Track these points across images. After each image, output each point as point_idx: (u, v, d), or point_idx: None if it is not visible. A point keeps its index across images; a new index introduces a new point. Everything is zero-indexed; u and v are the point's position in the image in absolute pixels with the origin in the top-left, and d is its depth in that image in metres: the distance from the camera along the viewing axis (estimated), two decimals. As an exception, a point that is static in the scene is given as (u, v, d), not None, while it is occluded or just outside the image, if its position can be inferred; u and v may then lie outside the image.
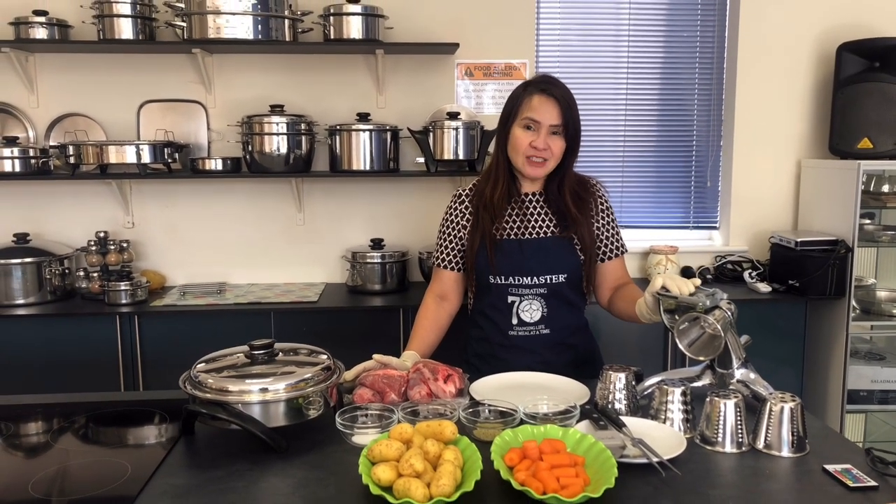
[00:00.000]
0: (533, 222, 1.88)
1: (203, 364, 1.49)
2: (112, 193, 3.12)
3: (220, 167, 2.95)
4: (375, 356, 1.68)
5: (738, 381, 1.58)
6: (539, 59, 3.25)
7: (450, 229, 1.94)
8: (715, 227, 3.48)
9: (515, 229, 1.87)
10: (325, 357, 1.52)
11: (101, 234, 2.99)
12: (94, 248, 2.96)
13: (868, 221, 3.10)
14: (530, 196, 1.90)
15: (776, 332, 2.95)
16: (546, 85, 1.81)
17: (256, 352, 1.49)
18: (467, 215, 1.92)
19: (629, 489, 1.21)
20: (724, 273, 3.25)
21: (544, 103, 1.79)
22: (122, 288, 2.80)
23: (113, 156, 2.85)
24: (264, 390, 1.38)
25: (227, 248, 3.21)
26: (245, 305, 2.81)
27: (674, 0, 3.31)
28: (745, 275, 3.11)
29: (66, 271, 2.94)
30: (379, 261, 3.01)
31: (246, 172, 3.02)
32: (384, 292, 3.01)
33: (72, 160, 2.85)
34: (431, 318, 1.91)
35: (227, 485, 1.23)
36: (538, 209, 1.89)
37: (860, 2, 3.21)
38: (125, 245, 3.03)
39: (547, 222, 1.88)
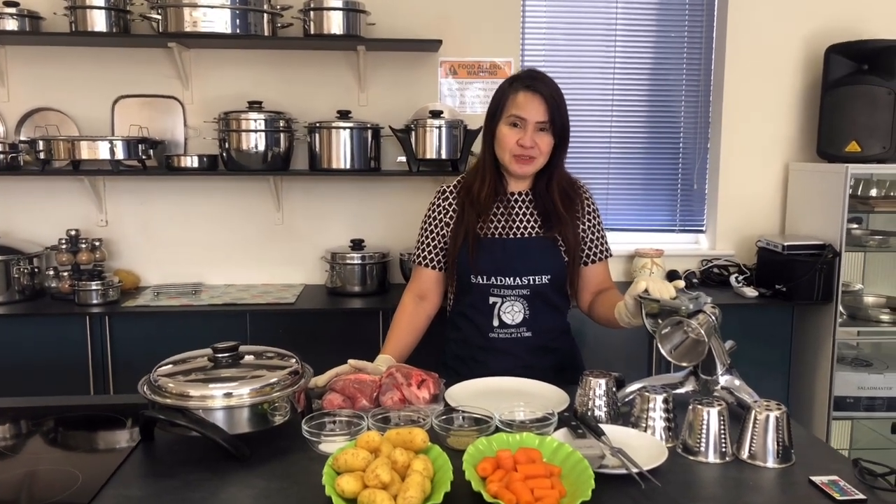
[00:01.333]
0: (518, 222, 1.82)
1: (165, 367, 1.42)
2: (84, 190, 3.03)
3: (196, 165, 2.88)
4: (350, 361, 1.62)
5: (723, 388, 1.53)
6: (524, 58, 3.19)
7: (432, 226, 1.88)
8: (701, 231, 3.44)
9: (500, 228, 1.82)
10: (293, 361, 1.45)
11: (73, 233, 2.90)
12: (64, 246, 2.87)
13: (856, 226, 3.06)
14: (517, 195, 1.85)
15: (762, 338, 2.90)
16: (531, 81, 1.76)
17: (220, 355, 1.42)
18: (451, 212, 1.86)
19: (606, 501, 1.15)
20: (710, 277, 3.20)
21: (530, 100, 1.74)
22: (94, 288, 2.71)
23: (85, 151, 2.77)
24: (228, 395, 1.31)
25: (203, 247, 3.14)
26: (220, 307, 2.74)
27: (662, 0, 3.27)
28: (732, 279, 3.06)
29: (36, 270, 2.85)
30: (359, 262, 2.94)
31: (223, 170, 2.95)
32: (364, 294, 2.95)
33: (42, 156, 2.77)
34: (408, 321, 1.85)
35: (183, 495, 1.17)
36: (524, 209, 1.84)
37: (848, 4, 3.18)
38: (97, 244, 2.95)
39: (532, 222, 1.83)
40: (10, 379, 2.61)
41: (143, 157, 2.85)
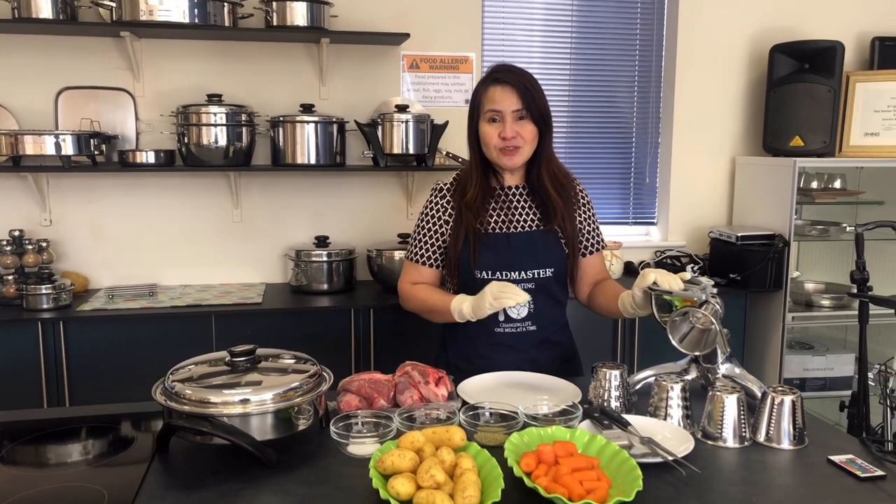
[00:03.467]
0: (517, 215, 1.83)
1: (177, 373, 1.35)
2: (26, 188, 2.84)
3: (152, 160, 2.74)
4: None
5: (724, 376, 1.59)
6: (484, 52, 3.20)
7: (429, 224, 1.87)
8: (653, 223, 3.55)
9: (501, 223, 1.82)
10: (311, 363, 1.42)
11: (16, 233, 2.72)
12: (8, 248, 2.69)
13: (796, 217, 3.23)
14: (513, 189, 1.86)
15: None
16: (500, 73, 1.78)
17: (237, 359, 1.36)
18: (448, 209, 1.85)
19: (650, 489, 1.17)
20: (663, 268, 3.29)
21: (501, 92, 1.76)
22: (44, 292, 2.55)
23: (30, 147, 2.59)
24: (251, 401, 1.26)
25: (157, 247, 3.00)
26: (183, 308, 2.63)
27: (615, -2, 3.35)
28: (688, 269, 3.18)
29: (-24, 274, 2.66)
30: (325, 259, 2.88)
31: (181, 166, 2.82)
32: (331, 292, 2.89)
33: (-19, 151, 2.58)
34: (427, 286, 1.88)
35: (221, 507, 1.12)
36: (522, 202, 1.85)
37: (792, 5, 3.34)
38: (44, 244, 2.77)
39: (531, 216, 1.84)
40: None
41: (95, 152, 2.69)
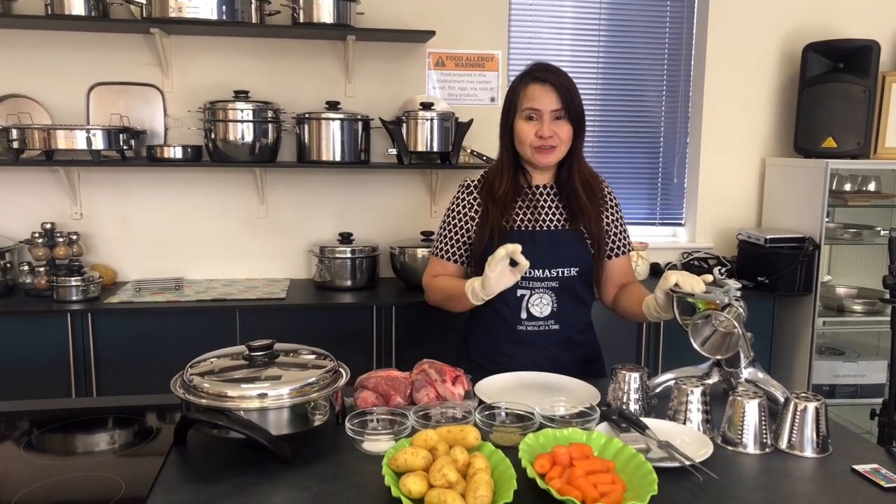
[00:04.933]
0: (544, 214, 1.83)
1: (196, 367, 1.36)
2: (58, 182, 2.90)
3: (180, 155, 2.78)
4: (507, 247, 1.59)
5: (747, 381, 1.56)
6: (511, 50, 3.18)
7: (455, 220, 1.87)
8: (680, 224, 3.51)
9: (526, 221, 1.82)
10: (328, 359, 1.42)
11: (48, 226, 2.77)
12: (40, 240, 2.74)
13: (827, 219, 3.17)
14: (541, 188, 1.85)
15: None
16: (540, 72, 1.78)
17: (255, 353, 1.37)
18: (475, 206, 1.85)
19: (666, 494, 1.15)
20: (691, 269, 3.26)
21: (541, 91, 1.75)
22: (73, 283, 2.60)
23: (62, 141, 2.64)
24: (268, 396, 1.27)
25: (183, 241, 3.03)
26: (209, 302, 2.66)
27: (644, -3, 3.32)
28: (715, 271, 3.11)
29: (8, 265, 2.72)
30: (349, 256, 2.90)
31: (207, 161, 2.85)
32: (354, 289, 2.90)
33: (15, 145, 2.63)
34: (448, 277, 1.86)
35: (237, 500, 1.12)
36: (549, 201, 1.84)
37: (826, 4, 3.27)
38: (74, 237, 2.82)
39: (558, 215, 1.83)
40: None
41: (124, 147, 2.73)
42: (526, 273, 1.74)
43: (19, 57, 2.82)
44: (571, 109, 1.75)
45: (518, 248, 1.59)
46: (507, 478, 1.13)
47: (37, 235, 2.75)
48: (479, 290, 1.66)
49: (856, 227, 3.14)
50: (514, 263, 1.61)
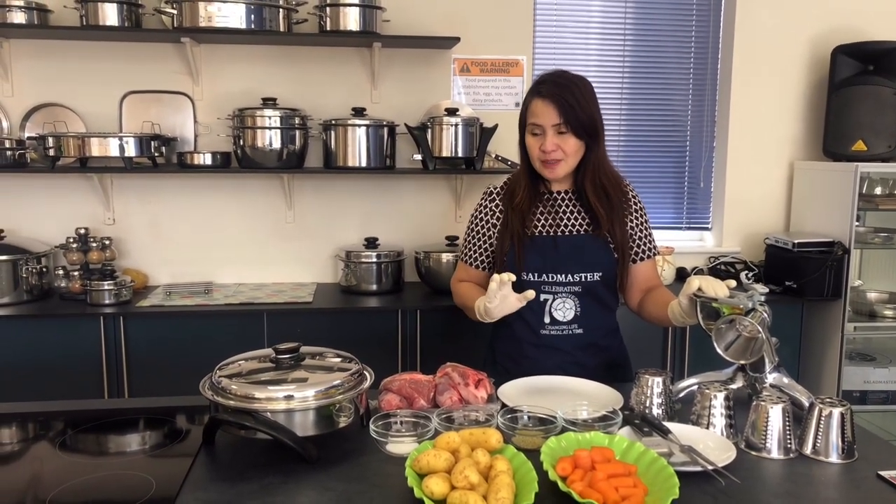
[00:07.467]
0: (565, 220, 1.83)
1: (224, 369, 1.40)
2: (92, 188, 2.97)
3: (209, 162, 2.83)
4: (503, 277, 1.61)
5: (771, 386, 1.55)
6: (536, 55, 3.20)
7: (479, 227, 1.89)
8: (707, 228, 3.48)
9: (548, 226, 1.83)
10: (353, 362, 1.44)
11: (82, 231, 2.84)
12: (74, 245, 2.81)
13: (858, 223, 3.12)
14: (562, 193, 1.86)
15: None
16: (542, 86, 1.76)
17: (282, 356, 1.40)
18: (497, 213, 1.87)
19: (686, 498, 1.15)
20: (717, 274, 3.24)
21: (542, 106, 1.75)
22: (106, 287, 2.66)
23: (95, 148, 2.71)
24: (294, 397, 1.30)
25: (213, 246, 3.09)
26: (237, 306, 2.70)
27: (670, 0, 3.30)
28: (742, 276, 3.10)
29: (44, 270, 2.79)
30: (374, 260, 2.92)
31: (236, 167, 2.91)
32: (379, 293, 2.93)
33: (51, 153, 2.70)
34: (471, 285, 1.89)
35: (263, 499, 1.15)
36: (570, 207, 1.85)
37: (855, 5, 3.23)
38: (107, 242, 2.89)
39: (580, 220, 1.83)
40: (19, 381, 2.55)
41: (156, 154, 2.79)
42: (548, 278, 1.75)
43: (55, 67, 2.90)
44: (574, 123, 1.72)
45: (511, 278, 1.61)
46: (528, 480, 1.14)
47: (71, 240, 2.82)
48: (484, 314, 1.69)
49: (887, 231, 3.09)
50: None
